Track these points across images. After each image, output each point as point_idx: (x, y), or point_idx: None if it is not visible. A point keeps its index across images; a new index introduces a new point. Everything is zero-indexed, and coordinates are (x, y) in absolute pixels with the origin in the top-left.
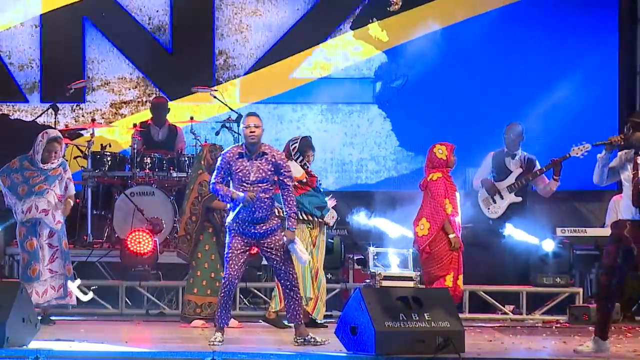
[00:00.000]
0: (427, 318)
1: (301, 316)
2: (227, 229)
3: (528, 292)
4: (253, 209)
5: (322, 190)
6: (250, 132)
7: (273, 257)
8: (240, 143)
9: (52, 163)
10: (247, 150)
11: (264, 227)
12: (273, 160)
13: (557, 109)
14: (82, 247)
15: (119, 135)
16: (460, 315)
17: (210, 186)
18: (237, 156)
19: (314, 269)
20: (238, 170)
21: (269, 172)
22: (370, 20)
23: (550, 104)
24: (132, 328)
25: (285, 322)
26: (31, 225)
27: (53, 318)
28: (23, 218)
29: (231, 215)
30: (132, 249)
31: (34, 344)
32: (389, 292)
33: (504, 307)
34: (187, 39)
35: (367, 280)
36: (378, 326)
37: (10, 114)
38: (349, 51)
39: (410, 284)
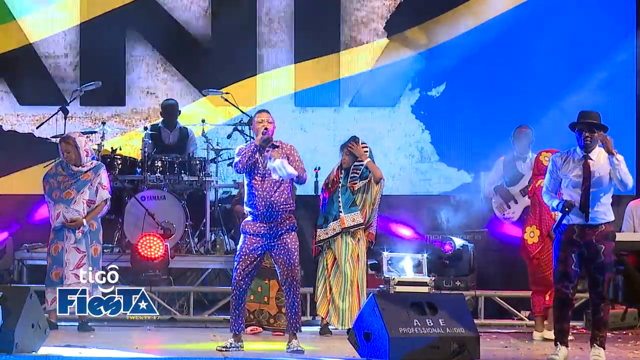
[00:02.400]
0: (441, 324)
1: (300, 326)
2: (241, 230)
3: None
4: (264, 202)
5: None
6: (265, 127)
7: (280, 260)
8: (252, 141)
9: (84, 166)
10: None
11: (276, 227)
12: (285, 151)
13: (570, 111)
14: None
15: (129, 138)
16: (476, 321)
17: (235, 167)
18: (248, 150)
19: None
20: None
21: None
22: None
23: (564, 106)
24: (143, 334)
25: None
26: (59, 229)
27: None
28: (54, 224)
29: (247, 210)
30: (142, 253)
31: (43, 350)
32: (403, 298)
33: (520, 312)
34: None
35: (381, 286)
36: (392, 332)
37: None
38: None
39: (425, 289)
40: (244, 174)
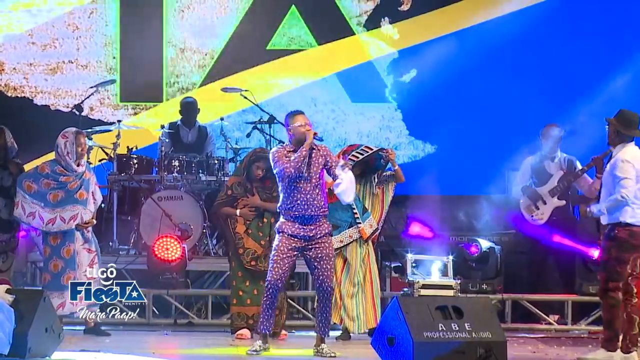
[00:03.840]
0: (467, 328)
1: (329, 330)
2: (277, 230)
3: (573, 301)
4: (306, 205)
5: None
6: (308, 130)
7: (316, 264)
8: (285, 144)
9: (81, 166)
10: (295, 147)
11: (314, 230)
12: (321, 153)
13: (597, 109)
14: (107, 254)
15: (146, 137)
16: (503, 325)
17: (284, 170)
18: (286, 154)
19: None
20: None
21: (321, 166)
22: (383, 20)
23: (591, 105)
24: (160, 338)
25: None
26: (68, 231)
27: (78, 328)
28: (51, 228)
29: (282, 212)
30: (159, 255)
31: (57, 355)
32: (427, 301)
33: (548, 316)
34: None
35: (405, 289)
36: (416, 337)
37: (33, 98)
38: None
39: (450, 292)
40: (284, 179)
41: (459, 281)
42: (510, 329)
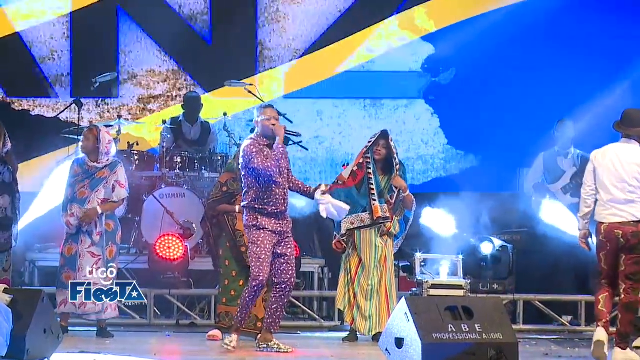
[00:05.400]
0: (478, 329)
1: (278, 326)
2: (255, 227)
3: (587, 301)
4: (283, 200)
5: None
6: (273, 124)
7: (284, 259)
8: (255, 136)
9: (100, 162)
10: (268, 142)
11: (286, 225)
12: (286, 152)
13: (612, 104)
14: None
15: (147, 132)
16: (514, 327)
17: (259, 169)
18: (263, 148)
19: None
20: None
21: (287, 162)
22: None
23: (606, 100)
24: (162, 339)
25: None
26: (73, 231)
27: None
28: (67, 231)
29: (255, 208)
30: (161, 254)
31: (56, 357)
32: (437, 302)
33: (561, 317)
34: (225, 28)
35: (414, 289)
36: (425, 338)
37: (31, 110)
38: (394, 42)
39: (461, 292)
40: (261, 175)
41: (469, 281)
42: (522, 330)
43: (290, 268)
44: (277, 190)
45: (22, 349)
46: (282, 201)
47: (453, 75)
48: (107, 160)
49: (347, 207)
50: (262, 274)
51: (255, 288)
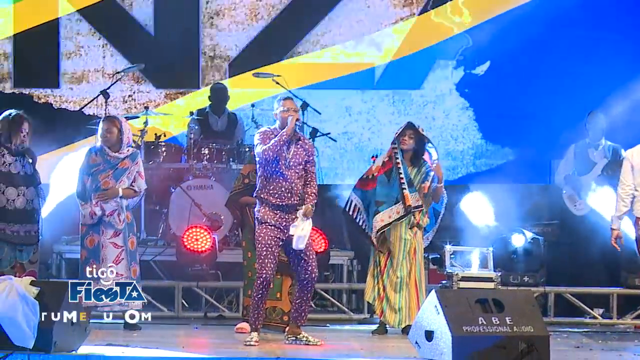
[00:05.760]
0: (508, 322)
1: (305, 319)
2: (257, 221)
3: (619, 294)
4: (289, 194)
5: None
6: (291, 116)
7: (302, 255)
8: (273, 126)
9: (121, 153)
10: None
11: (295, 218)
12: (306, 147)
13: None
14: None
15: (174, 127)
16: (545, 320)
17: (260, 154)
18: (270, 137)
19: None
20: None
21: (304, 158)
22: None
23: (638, 92)
24: (189, 332)
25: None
26: (95, 223)
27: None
28: (87, 221)
29: (261, 200)
30: (188, 246)
31: (83, 349)
32: (467, 294)
33: (593, 310)
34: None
35: (444, 282)
36: (455, 331)
37: (55, 104)
38: (424, 34)
39: (491, 285)
40: (263, 163)
41: (499, 273)
42: (553, 323)
43: (309, 263)
44: (283, 183)
45: (49, 341)
46: (289, 194)
47: (487, 67)
48: (128, 150)
49: (305, 239)
50: (264, 271)
51: (260, 285)
